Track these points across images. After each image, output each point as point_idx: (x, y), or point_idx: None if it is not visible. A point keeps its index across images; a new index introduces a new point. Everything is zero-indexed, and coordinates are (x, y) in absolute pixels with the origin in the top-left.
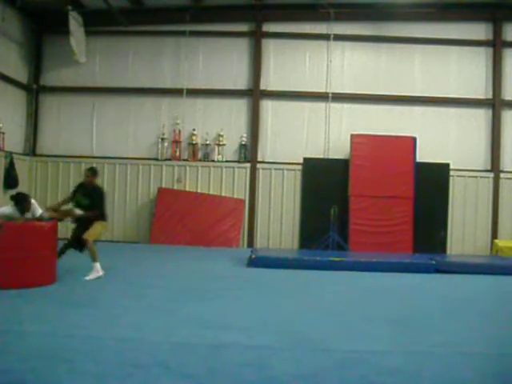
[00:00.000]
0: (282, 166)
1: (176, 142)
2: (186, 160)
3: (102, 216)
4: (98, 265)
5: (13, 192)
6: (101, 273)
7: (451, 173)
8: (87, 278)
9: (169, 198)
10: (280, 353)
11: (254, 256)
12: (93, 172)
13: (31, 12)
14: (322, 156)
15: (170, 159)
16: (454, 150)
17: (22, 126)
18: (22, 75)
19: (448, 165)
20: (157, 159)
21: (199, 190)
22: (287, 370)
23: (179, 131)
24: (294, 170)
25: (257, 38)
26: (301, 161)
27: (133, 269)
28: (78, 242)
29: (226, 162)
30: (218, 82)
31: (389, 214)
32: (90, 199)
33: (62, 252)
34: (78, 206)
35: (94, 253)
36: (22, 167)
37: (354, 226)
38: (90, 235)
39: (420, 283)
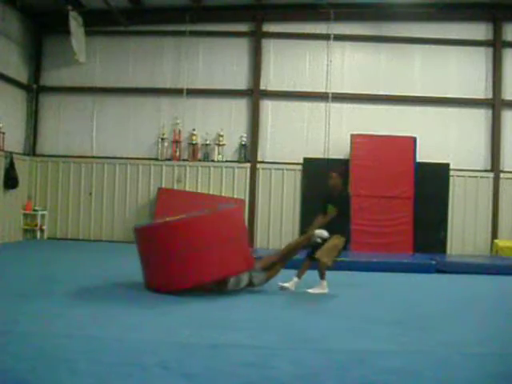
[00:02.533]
0: (282, 166)
1: (176, 142)
2: (186, 160)
3: (340, 228)
4: (324, 282)
5: (13, 192)
6: (326, 290)
7: (451, 173)
8: (311, 290)
9: (169, 197)
10: (280, 353)
11: (253, 256)
12: (339, 173)
13: (31, 12)
14: (322, 156)
15: (170, 159)
16: (454, 150)
17: (22, 126)
18: (22, 75)
19: (448, 165)
20: (157, 159)
21: (199, 190)
22: (287, 370)
23: (179, 131)
24: (294, 170)
25: (257, 38)
26: (301, 161)
27: (133, 269)
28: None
29: (226, 161)
30: (218, 82)
31: (389, 214)
32: (336, 207)
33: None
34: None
35: (323, 272)
36: (22, 167)
37: (353, 226)
38: (322, 254)
39: (420, 283)
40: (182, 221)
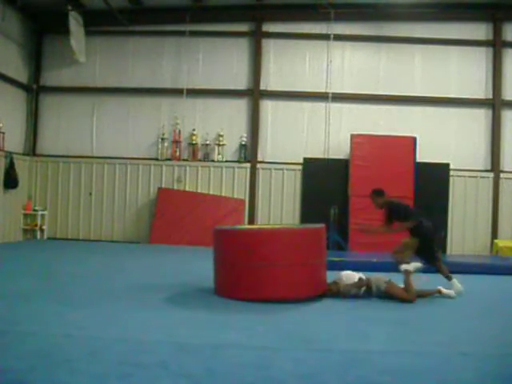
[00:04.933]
0: (281, 166)
1: (176, 142)
2: (186, 160)
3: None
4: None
5: (13, 192)
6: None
7: (451, 173)
8: (445, 291)
9: (169, 197)
10: (280, 353)
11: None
12: None
13: (31, 12)
14: (322, 156)
15: (170, 159)
16: (454, 150)
17: (22, 126)
18: (22, 75)
19: (448, 165)
20: (157, 159)
21: (199, 190)
22: (287, 370)
23: (179, 131)
24: (294, 170)
25: (257, 38)
26: (301, 161)
27: (134, 269)
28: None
29: (226, 162)
30: (217, 82)
31: None
32: None
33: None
34: None
35: (444, 270)
36: (22, 167)
37: (354, 226)
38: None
39: (420, 283)
40: (265, 231)
